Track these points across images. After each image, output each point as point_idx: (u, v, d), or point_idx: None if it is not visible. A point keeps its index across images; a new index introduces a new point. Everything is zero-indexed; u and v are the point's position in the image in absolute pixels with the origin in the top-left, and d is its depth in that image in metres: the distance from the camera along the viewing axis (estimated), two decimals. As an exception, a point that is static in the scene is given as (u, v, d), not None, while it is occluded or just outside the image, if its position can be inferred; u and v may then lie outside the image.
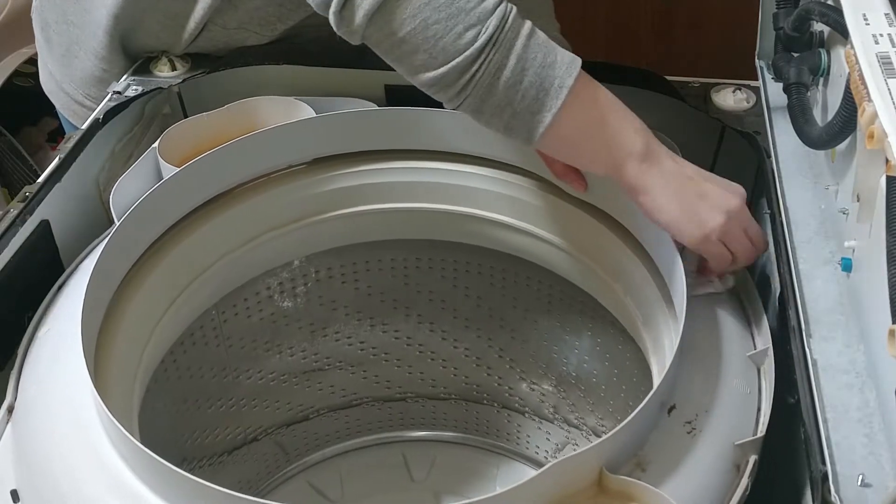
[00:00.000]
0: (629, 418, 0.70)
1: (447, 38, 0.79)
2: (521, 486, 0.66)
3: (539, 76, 0.81)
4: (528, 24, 0.82)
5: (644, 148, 0.85)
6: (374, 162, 1.07)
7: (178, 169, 0.95)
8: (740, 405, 0.79)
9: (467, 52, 0.80)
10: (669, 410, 0.76)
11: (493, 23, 0.79)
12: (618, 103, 0.86)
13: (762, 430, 0.77)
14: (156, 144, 1.00)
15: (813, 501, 0.65)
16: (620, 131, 0.85)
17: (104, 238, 0.96)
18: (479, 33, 0.79)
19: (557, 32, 1.17)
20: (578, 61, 0.83)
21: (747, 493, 0.72)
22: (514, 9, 0.82)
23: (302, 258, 1.14)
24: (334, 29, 0.83)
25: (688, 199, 0.85)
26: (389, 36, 0.81)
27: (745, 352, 0.84)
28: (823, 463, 0.66)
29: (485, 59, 0.80)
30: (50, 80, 1.25)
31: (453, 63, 0.80)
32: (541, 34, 0.83)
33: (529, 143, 0.84)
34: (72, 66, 1.19)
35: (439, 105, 1.02)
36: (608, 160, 0.86)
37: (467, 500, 0.65)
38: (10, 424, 0.81)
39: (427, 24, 0.79)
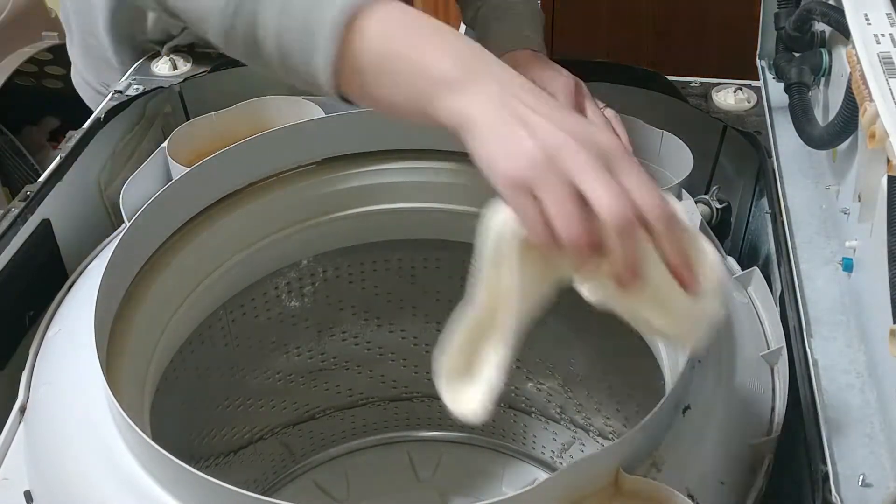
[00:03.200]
0: (646, 419, 0.70)
1: None
2: (539, 486, 0.66)
3: (305, 20, 0.68)
4: None
5: (461, 73, 0.64)
6: (382, 162, 1.07)
7: (188, 169, 0.96)
8: (754, 405, 0.79)
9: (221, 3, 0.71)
10: (684, 411, 0.76)
11: None
12: (423, 21, 0.68)
13: (777, 429, 0.77)
14: (165, 144, 1.01)
15: (813, 501, 0.66)
16: (422, 59, 0.65)
17: (113, 238, 0.97)
18: None
19: (537, 12, 1.10)
20: None
21: (762, 492, 0.73)
22: None
23: (310, 258, 1.14)
24: None
25: (510, 125, 0.61)
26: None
27: (759, 351, 0.84)
28: (824, 463, 0.66)
29: (236, 8, 0.71)
30: (76, 73, 1.28)
31: (214, 21, 0.72)
32: None
33: (325, 90, 0.70)
34: (88, 57, 1.21)
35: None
36: (418, 99, 0.66)
37: (486, 502, 0.64)
38: (22, 424, 0.82)
39: None
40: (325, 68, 0.67)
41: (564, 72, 1.01)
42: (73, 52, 1.27)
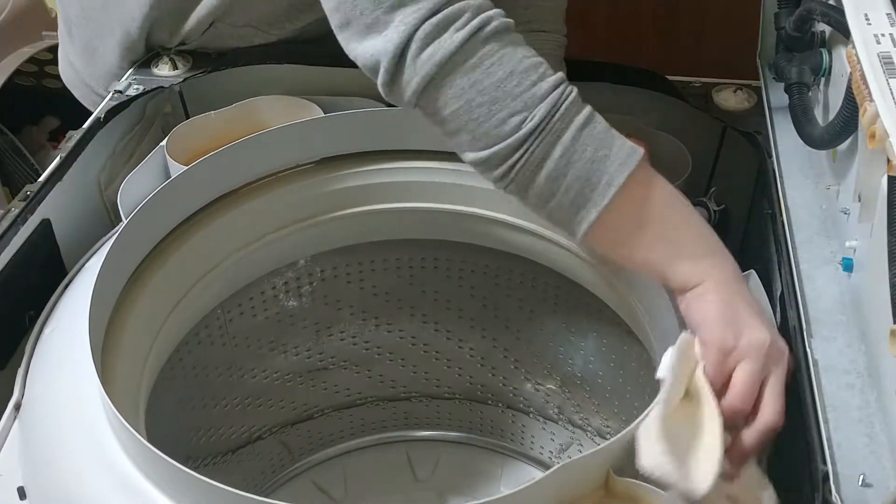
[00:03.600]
0: (637, 421, 0.70)
1: (489, 122, 0.76)
2: (528, 487, 0.66)
3: (586, 171, 0.76)
4: (585, 111, 0.77)
5: (708, 247, 0.78)
6: (380, 162, 1.07)
7: (186, 167, 0.96)
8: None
9: (509, 140, 0.76)
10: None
11: (541, 110, 0.75)
12: (678, 201, 0.80)
13: None
14: (164, 143, 1.01)
15: (814, 501, 0.65)
16: (677, 229, 0.78)
17: (111, 236, 0.97)
18: (525, 121, 0.75)
19: (562, 37, 1.13)
20: (637, 155, 0.77)
21: None
22: (573, 93, 0.77)
23: (308, 257, 1.14)
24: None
25: (734, 307, 0.75)
26: (436, 113, 0.78)
27: None
28: (824, 463, 0.66)
29: (527, 149, 0.76)
30: (70, 71, 1.28)
31: (495, 149, 0.77)
32: (600, 123, 0.78)
33: (574, 236, 0.79)
34: (93, 60, 1.21)
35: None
36: (660, 261, 0.78)
37: (475, 502, 0.64)
38: (17, 422, 0.82)
39: (471, 106, 0.76)
40: (591, 220, 0.77)
41: None
42: (72, 54, 1.27)
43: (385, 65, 0.77)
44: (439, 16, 0.75)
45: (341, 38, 0.81)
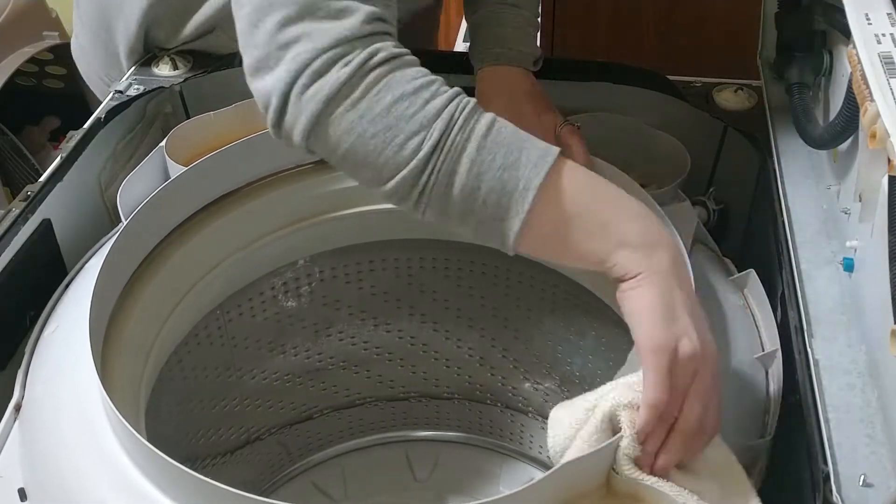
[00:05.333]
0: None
1: (388, 150, 0.71)
2: (531, 486, 0.66)
3: (500, 180, 0.71)
4: (486, 119, 0.73)
5: (641, 239, 0.73)
6: (379, 162, 1.07)
7: (186, 168, 0.96)
8: (748, 407, 0.79)
9: (412, 164, 0.71)
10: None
11: (438, 127, 0.71)
12: (606, 191, 0.76)
13: (771, 432, 0.77)
14: (163, 143, 1.01)
15: (814, 502, 0.66)
16: (609, 222, 0.74)
17: (111, 237, 0.97)
18: (423, 141, 0.71)
19: (534, 17, 1.09)
20: (551, 154, 0.72)
21: (758, 493, 0.72)
22: (469, 103, 0.73)
23: (306, 258, 1.14)
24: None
25: (671, 304, 0.71)
26: (332, 153, 0.74)
27: (753, 353, 0.84)
28: (825, 463, 0.66)
29: (433, 169, 0.71)
30: (77, 47, 1.28)
31: (399, 177, 0.72)
32: (506, 128, 0.73)
33: (506, 249, 0.74)
34: (96, 44, 1.21)
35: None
36: (594, 256, 0.74)
37: (477, 502, 0.64)
38: (17, 423, 0.82)
39: (364, 138, 0.72)
40: (515, 230, 0.72)
41: (551, 104, 1.01)
42: (82, 36, 1.28)
43: (273, 103, 0.73)
44: (330, 53, 0.71)
45: (246, 74, 0.76)
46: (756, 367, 0.83)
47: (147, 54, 1.19)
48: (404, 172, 0.71)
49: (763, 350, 0.84)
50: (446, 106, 0.72)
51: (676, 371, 0.69)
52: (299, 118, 0.72)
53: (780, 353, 0.81)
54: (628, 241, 0.73)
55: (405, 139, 0.71)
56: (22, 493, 0.76)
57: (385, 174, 0.72)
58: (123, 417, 0.70)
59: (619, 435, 0.69)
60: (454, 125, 0.71)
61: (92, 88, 1.29)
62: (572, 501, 0.69)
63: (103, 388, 0.73)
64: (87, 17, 1.23)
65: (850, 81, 0.78)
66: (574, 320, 1.18)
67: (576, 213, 0.73)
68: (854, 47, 0.77)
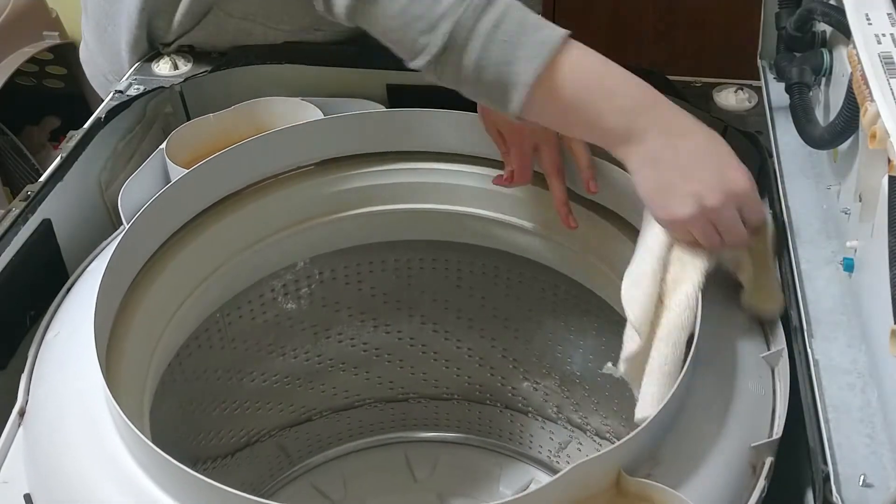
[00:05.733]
0: (647, 421, 0.70)
1: (406, 43, 0.83)
2: (542, 489, 0.66)
3: (498, 74, 0.81)
4: (489, 17, 0.81)
5: (625, 131, 0.82)
6: (379, 164, 1.07)
7: (186, 171, 0.96)
8: (755, 407, 0.79)
9: (426, 58, 0.82)
10: (685, 412, 0.76)
11: (443, 27, 0.80)
12: (599, 80, 0.83)
13: (778, 431, 0.76)
14: (163, 146, 1.01)
15: (814, 502, 0.65)
16: (599, 115, 0.82)
17: (112, 241, 0.97)
18: (431, 41, 0.81)
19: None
20: (547, 48, 0.81)
21: (763, 494, 0.72)
22: (472, 3, 0.81)
23: (306, 260, 1.14)
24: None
25: (664, 182, 0.82)
26: (371, 29, 0.86)
27: (759, 353, 0.83)
28: (825, 463, 0.66)
29: (443, 63, 0.82)
30: (85, 50, 1.28)
31: (419, 62, 0.83)
32: (509, 23, 0.81)
33: (514, 118, 0.85)
34: (102, 41, 1.21)
35: (443, 106, 1.02)
36: (592, 138, 0.86)
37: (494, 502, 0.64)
38: (21, 427, 0.81)
39: (388, 29, 0.84)
40: (518, 113, 0.82)
41: None
42: (87, 31, 1.28)
43: None
44: None
45: None
46: (762, 366, 0.82)
47: (149, 48, 1.19)
48: (420, 61, 0.83)
49: (769, 349, 0.84)
50: (451, 6, 0.80)
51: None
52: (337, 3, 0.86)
53: (786, 353, 0.81)
54: (616, 134, 0.82)
55: (418, 34, 0.82)
56: (28, 500, 0.76)
57: (409, 57, 0.84)
58: (129, 421, 0.70)
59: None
60: (458, 24, 0.80)
61: (98, 91, 1.28)
62: (583, 502, 0.69)
63: (109, 392, 0.73)
64: (91, 11, 1.22)
65: (850, 81, 0.78)
66: (574, 320, 1.18)
67: (568, 105, 0.82)
68: (854, 47, 0.77)
